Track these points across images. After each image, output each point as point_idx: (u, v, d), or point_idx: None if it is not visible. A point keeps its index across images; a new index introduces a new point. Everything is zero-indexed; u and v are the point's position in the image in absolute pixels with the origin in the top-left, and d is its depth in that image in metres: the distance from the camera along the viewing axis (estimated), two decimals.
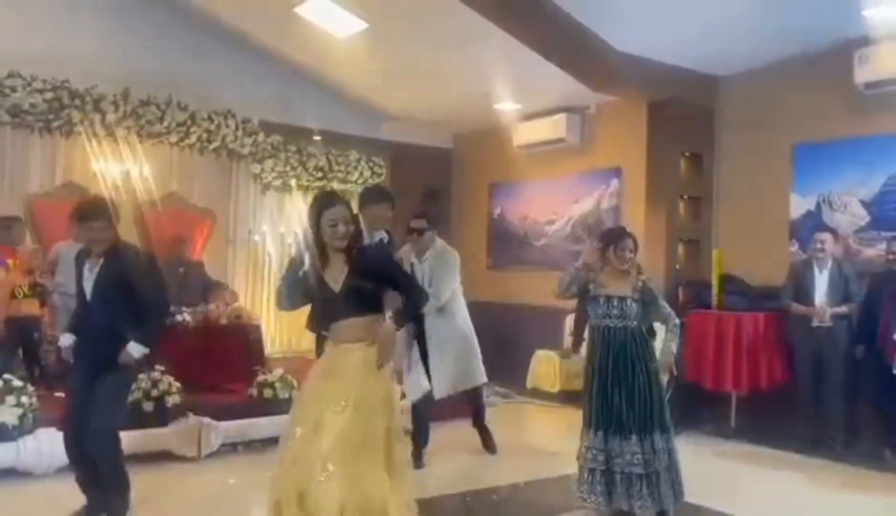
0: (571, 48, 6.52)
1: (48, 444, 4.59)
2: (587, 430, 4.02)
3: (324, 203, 3.16)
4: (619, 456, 3.89)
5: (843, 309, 5.77)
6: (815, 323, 5.77)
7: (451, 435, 5.74)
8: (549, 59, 6.68)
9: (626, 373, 3.95)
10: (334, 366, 3.16)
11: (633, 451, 3.87)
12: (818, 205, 6.60)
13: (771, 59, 6.73)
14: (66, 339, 4.03)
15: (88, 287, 3.91)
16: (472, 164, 10.09)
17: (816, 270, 5.89)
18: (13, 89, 6.92)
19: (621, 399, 3.92)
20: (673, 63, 6.92)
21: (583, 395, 4.14)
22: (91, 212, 3.89)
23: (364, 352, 3.15)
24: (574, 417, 6.95)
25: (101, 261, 3.88)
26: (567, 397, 7.45)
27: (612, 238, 4.18)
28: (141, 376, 5.33)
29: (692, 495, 4.19)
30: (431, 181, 9.95)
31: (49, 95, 7.09)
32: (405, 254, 5.39)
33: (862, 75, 6.10)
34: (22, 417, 4.67)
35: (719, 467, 5.40)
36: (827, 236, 5.92)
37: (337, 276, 3.15)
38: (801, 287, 5.93)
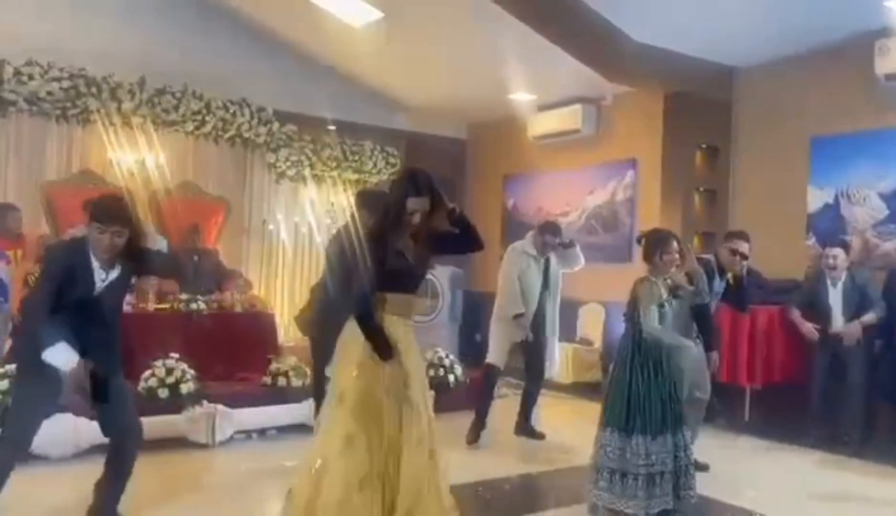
0: (588, 38, 6.49)
1: (65, 429, 4.64)
2: (626, 434, 3.89)
3: (412, 188, 3.13)
4: (668, 454, 3.86)
5: (871, 316, 5.69)
6: (833, 330, 5.77)
7: (463, 426, 5.74)
8: (565, 49, 6.65)
9: (667, 372, 3.94)
10: (406, 347, 3.18)
11: (679, 446, 3.89)
12: (836, 199, 6.54)
13: (789, 50, 6.66)
14: (70, 357, 3.15)
15: (100, 294, 3.36)
16: (486, 155, 10.06)
17: (830, 283, 5.84)
18: (31, 77, 6.98)
19: (662, 397, 3.89)
20: (690, 54, 6.86)
21: (615, 398, 4.01)
22: (112, 213, 3.29)
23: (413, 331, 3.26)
24: (587, 408, 6.97)
25: (117, 265, 3.39)
26: (580, 388, 7.45)
27: (658, 243, 4.10)
28: (156, 363, 5.40)
29: (704, 488, 4.19)
30: (445, 171, 9.92)
31: (66, 83, 7.15)
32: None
33: (882, 67, 6.03)
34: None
35: (732, 461, 5.36)
36: (839, 251, 5.82)
37: (406, 249, 3.15)
38: (815, 300, 5.90)
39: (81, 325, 3.26)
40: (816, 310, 5.87)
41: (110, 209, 3.31)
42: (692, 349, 3.91)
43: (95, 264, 3.33)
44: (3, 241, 6.17)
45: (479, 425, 5.69)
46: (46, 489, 3.71)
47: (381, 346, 3.07)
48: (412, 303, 3.26)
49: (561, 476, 4.93)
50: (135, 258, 3.45)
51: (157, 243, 3.66)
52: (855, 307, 5.76)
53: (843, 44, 6.30)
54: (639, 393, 3.88)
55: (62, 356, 3.12)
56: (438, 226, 3.23)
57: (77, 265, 3.31)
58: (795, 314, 5.91)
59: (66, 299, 3.26)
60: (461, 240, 3.30)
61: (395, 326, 3.16)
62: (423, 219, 3.17)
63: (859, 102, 6.35)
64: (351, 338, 3.17)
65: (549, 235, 5.69)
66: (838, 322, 5.78)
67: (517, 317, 5.55)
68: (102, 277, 3.36)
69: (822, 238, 6.37)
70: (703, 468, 4.68)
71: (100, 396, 3.26)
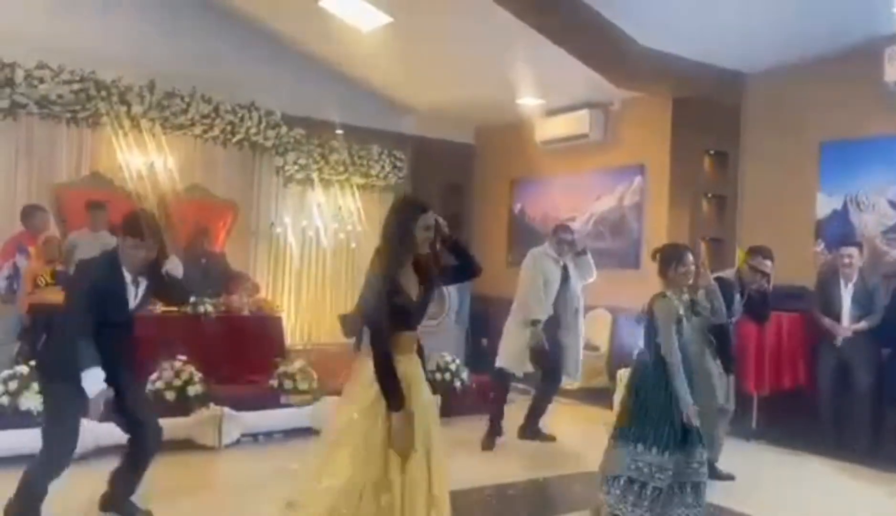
0: (595, 43, 6.48)
1: None
2: (653, 449, 3.83)
3: (419, 207, 3.04)
4: (686, 467, 3.84)
5: (863, 324, 5.75)
6: (839, 340, 5.78)
7: (470, 430, 5.74)
8: (573, 53, 6.64)
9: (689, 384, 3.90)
10: (411, 385, 3.02)
11: (699, 461, 3.88)
12: (845, 205, 6.51)
13: (799, 55, 6.64)
14: (99, 385, 3.42)
15: (132, 303, 3.59)
16: (493, 160, 10.06)
17: (842, 282, 5.87)
18: (41, 80, 7.02)
19: (680, 412, 3.83)
20: (698, 59, 6.85)
21: (635, 413, 3.94)
22: (147, 228, 3.49)
23: (419, 364, 3.12)
24: (593, 414, 6.95)
25: (145, 276, 3.60)
26: (586, 394, 7.42)
27: (673, 256, 4.03)
28: (164, 365, 5.42)
29: (713, 496, 4.16)
30: (453, 176, 9.95)
31: (76, 86, 7.19)
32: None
33: (892, 74, 5.98)
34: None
35: (739, 468, 5.33)
36: (854, 250, 5.86)
37: (409, 284, 3.03)
38: (827, 298, 5.92)
39: (113, 340, 3.46)
40: (828, 308, 5.89)
41: (145, 224, 3.48)
42: (689, 405, 3.88)
43: (128, 280, 3.51)
44: (29, 238, 6.26)
45: (494, 432, 5.68)
46: (53, 490, 3.71)
47: (395, 395, 2.88)
48: (415, 340, 3.12)
49: (569, 481, 4.92)
50: (155, 273, 3.61)
51: (176, 268, 3.75)
52: (864, 308, 5.78)
53: (853, 50, 6.27)
54: (658, 408, 3.84)
55: (94, 382, 3.36)
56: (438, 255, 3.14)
57: (113, 284, 3.48)
58: (826, 320, 5.91)
59: (102, 317, 3.41)
60: (459, 269, 3.20)
61: (404, 366, 3.00)
62: (434, 238, 3.05)
63: (869, 108, 6.31)
64: (359, 376, 3.02)
65: (563, 232, 5.80)
66: (846, 321, 5.82)
67: (535, 322, 5.55)
68: (134, 294, 3.57)
69: (831, 244, 6.34)
70: (728, 478, 4.81)
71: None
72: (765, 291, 5.04)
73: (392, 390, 2.89)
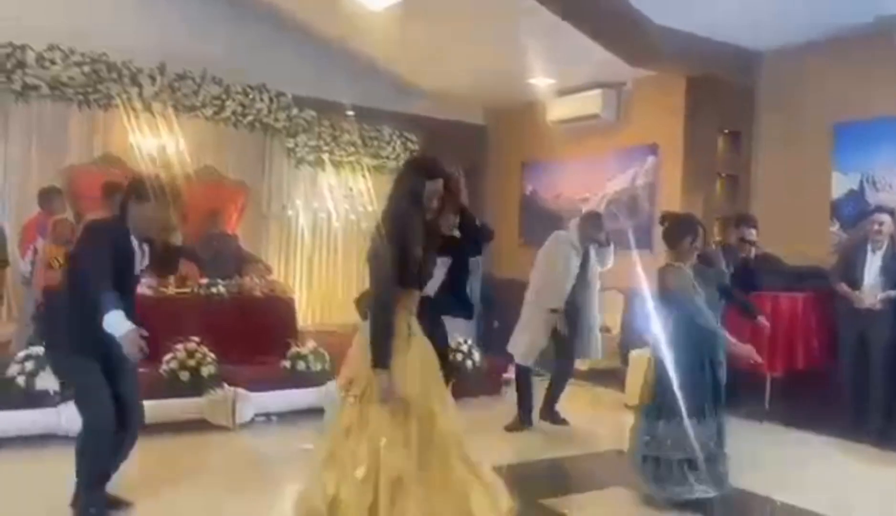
0: (608, 21, 6.42)
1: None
2: (670, 421, 3.86)
3: (425, 172, 2.98)
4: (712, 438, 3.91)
5: (882, 297, 5.59)
6: (862, 305, 5.61)
7: (484, 410, 5.75)
8: (585, 32, 6.58)
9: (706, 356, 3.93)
10: (426, 356, 3.05)
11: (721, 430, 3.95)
12: (861, 184, 6.45)
13: (813, 34, 6.55)
14: (127, 323, 3.13)
15: (136, 270, 3.52)
16: (505, 140, 10.01)
17: (869, 251, 5.70)
18: (53, 62, 7.03)
19: (705, 381, 3.89)
20: (713, 38, 6.77)
21: (659, 388, 3.94)
22: (166, 192, 3.44)
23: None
24: (606, 395, 6.95)
25: (146, 244, 3.53)
26: (598, 375, 7.41)
27: (689, 229, 3.95)
28: (177, 346, 5.45)
29: None
30: (464, 157, 9.87)
31: (87, 68, 7.20)
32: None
33: None
34: (63, 383, 4.77)
35: (752, 449, 5.32)
36: (886, 217, 5.68)
37: (419, 242, 2.98)
38: (850, 267, 5.75)
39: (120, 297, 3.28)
40: (850, 278, 5.72)
41: (163, 188, 3.41)
42: (734, 344, 3.87)
43: (135, 246, 3.42)
44: (47, 220, 6.28)
45: (523, 419, 5.66)
46: (72, 471, 3.76)
47: (384, 352, 2.86)
48: (417, 299, 3.09)
49: (581, 461, 4.94)
50: (162, 241, 3.57)
51: (176, 237, 3.74)
52: (892, 278, 5.58)
53: (869, 28, 6.18)
54: (682, 380, 3.84)
55: (121, 323, 3.10)
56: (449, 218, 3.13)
57: (123, 246, 3.38)
58: (842, 287, 5.74)
59: (113, 280, 3.25)
60: (464, 244, 3.19)
61: (407, 322, 3.01)
62: (440, 205, 3.03)
63: (885, 87, 6.22)
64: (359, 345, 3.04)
65: (593, 228, 5.61)
66: (868, 291, 5.62)
67: (554, 311, 5.48)
68: (140, 259, 3.47)
69: (847, 224, 6.28)
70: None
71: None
72: (749, 259, 4.94)
73: (383, 345, 2.86)
